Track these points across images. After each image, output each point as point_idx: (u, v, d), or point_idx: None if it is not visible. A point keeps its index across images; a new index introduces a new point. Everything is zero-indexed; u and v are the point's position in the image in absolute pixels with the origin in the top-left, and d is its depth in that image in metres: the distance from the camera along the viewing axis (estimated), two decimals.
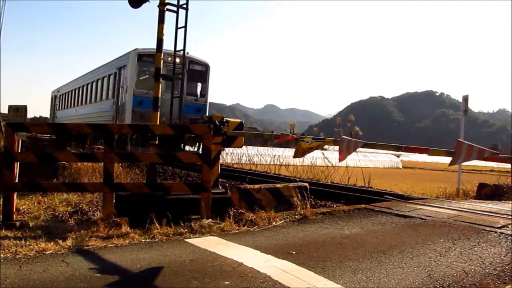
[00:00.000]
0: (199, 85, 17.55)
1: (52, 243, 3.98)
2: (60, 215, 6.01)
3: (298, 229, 5.00)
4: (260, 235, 4.65)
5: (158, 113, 8.28)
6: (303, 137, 5.29)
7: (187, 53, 11.25)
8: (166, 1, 8.22)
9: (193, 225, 4.91)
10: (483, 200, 8.91)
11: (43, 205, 6.41)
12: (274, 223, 5.17)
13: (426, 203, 7.54)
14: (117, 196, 5.66)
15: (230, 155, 23.76)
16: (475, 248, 4.21)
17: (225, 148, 8.12)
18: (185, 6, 8.59)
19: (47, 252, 3.73)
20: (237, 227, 4.92)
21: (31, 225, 4.98)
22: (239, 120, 6.62)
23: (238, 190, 5.72)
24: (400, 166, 41.04)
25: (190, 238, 4.41)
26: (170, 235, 4.55)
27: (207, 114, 15.03)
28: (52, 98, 32.59)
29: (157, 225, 4.77)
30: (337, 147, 4.57)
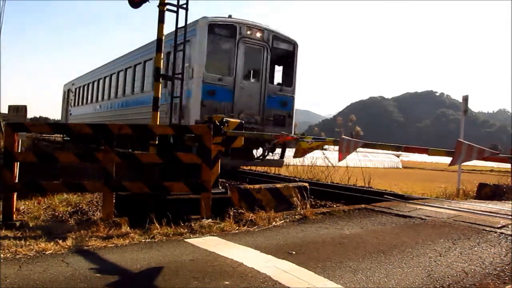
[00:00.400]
0: (285, 69, 13.05)
1: (52, 243, 3.98)
2: (60, 215, 6.02)
3: (298, 229, 5.00)
4: (260, 235, 4.65)
5: (158, 113, 8.28)
6: (303, 137, 5.29)
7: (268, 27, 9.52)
8: (166, 1, 8.22)
9: (193, 225, 4.91)
10: (483, 200, 8.91)
11: (43, 205, 6.41)
12: (274, 223, 5.17)
13: (426, 203, 7.54)
14: (117, 196, 5.66)
15: None
16: (475, 248, 4.21)
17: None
18: (185, 6, 8.60)
19: (47, 252, 3.73)
20: (237, 227, 4.92)
21: (31, 225, 4.98)
22: (239, 120, 6.61)
23: (238, 190, 5.72)
24: (400, 166, 41.04)
25: (190, 238, 4.41)
26: (170, 235, 4.55)
27: (294, 110, 12.67)
28: (64, 93, 27.43)
29: (157, 225, 4.77)
30: (337, 147, 4.57)
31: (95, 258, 3.62)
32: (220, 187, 6.72)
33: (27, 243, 3.98)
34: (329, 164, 15.88)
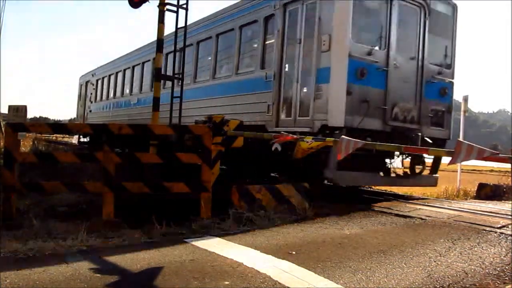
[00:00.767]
0: (441, 43, 8.71)
1: (52, 243, 3.98)
2: (60, 215, 6.01)
3: (298, 229, 5.00)
4: (260, 235, 4.65)
5: (158, 113, 8.27)
6: (303, 137, 5.28)
7: None
8: (166, 1, 8.22)
9: (193, 225, 4.91)
10: (483, 200, 8.91)
11: (43, 205, 6.40)
12: (274, 223, 5.17)
13: (426, 203, 7.54)
14: (117, 196, 5.65)
15: None
16: (475, 248, 4.21)
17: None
18: (185, 6, 8.59)
19: (47, 252, 3.73)
20: (237, 227, 4.92)
21: (31, 225, 4.98)
22: (239, 120, 6.61)
23: (238, 190, 5.71)
24: (400, 166, 40.98)
25: (190, 238, 4.41)
26: (170, 235, 4.55)
27: (452, 100, 8.67)
28: (80, 87, 22.90)
29: (157, 225, 4.77)
30: None
31: (95, 258, 3.62)
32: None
33: (27, 243, 3.98)
34: None
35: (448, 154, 3.77)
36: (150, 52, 13.12)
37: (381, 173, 8.20)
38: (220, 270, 3.32)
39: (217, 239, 4.36)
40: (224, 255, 3.70)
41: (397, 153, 8.23)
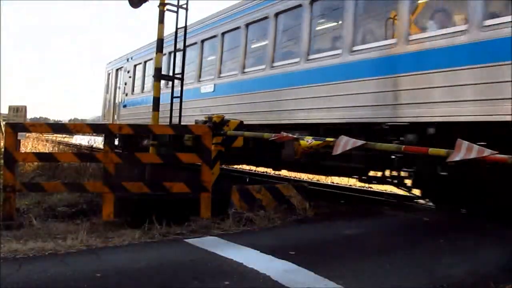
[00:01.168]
0: None
1: (52, 243, 3.98)
2: (60, 215, 6.02)
3: (298, 229, 5.00)
4: (260, 235, 4.65)
5: (158, 113, 8.25)
6: (303, 136, 5.28)
7: None
8: (166, 1, 8.23)
9: (193, 225, 4.92)
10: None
11: (43, 205, 6.41)
12: (274, 223, 5.17)
13: (426, 203, 7.54)
14: (117, 196, 5.66)
15: None
16: (476, 248, 4.21)
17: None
18: (185, 6, 8.59)
19: (47, 252, 3.73)
20: (237, 227, 4.92)
21: (31, 225, 4.98)
22: (239, 120, 6.61)
23: (238, 190, 5.72)
24: None
25: (190, 238, 4.41)
26: (170, 235, 4.55)
27: None
28: (108, 76, 17.79)
29: (157, 225, 4.77)
30: None
31: (95, 258, 3.62)
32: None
33: (27, 243, 3.98)
34: None
35: (448, 153, 3.77)
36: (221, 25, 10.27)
37: None
38: (220, 270, 3.32)
39: (217, 239, 4.36)
40: (224, 255, 3.70)
41: None
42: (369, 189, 10.55)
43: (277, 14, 8.47)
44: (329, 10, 7.71)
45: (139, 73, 15.16)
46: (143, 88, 14.58)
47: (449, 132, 5.08)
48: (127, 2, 8.44)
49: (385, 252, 3.98)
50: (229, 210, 5.41)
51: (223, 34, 10.19)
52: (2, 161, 5.49)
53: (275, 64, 8.38)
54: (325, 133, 6.64)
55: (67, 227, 4.94)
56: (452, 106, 5.31)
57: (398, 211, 6.37)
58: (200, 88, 10.71)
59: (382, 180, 6.78)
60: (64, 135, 35.99)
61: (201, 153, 5.49)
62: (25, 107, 11.98)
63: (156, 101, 8.25)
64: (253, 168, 16.80)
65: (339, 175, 9.57)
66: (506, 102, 4.73)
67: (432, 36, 5.68)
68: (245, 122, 6.92)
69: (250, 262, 3.47)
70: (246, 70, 9.21)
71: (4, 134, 5.30)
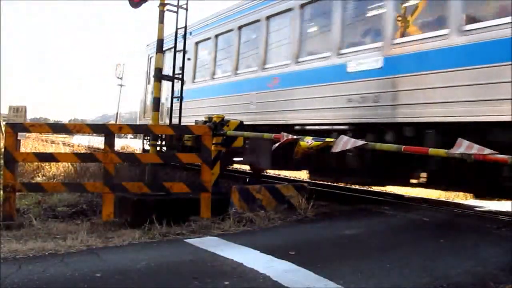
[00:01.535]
0: None
1: (52, 243, 3.98)
2: (60, 215, 6.02)
3: (298, 229, 5.00)
4: (260, 235, 4.65)
5: (159, 113, 8.24)
6: (303, 137, 5.28)
7: None
8: (166, 1, 8.22)
9: (193, 225, 4.92)
10: (483, 200, 8.90)
11: (43, 205, 6.41)
12: (274, 223, 5.17)
13: (426, 203, 7.54)
14: (117, 196, 5.67)
15: None
16: (475, 248, 4.21)
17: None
18: (185, 6, 8.59)
19: (47, 252, 3.73)
20: (237, 227, 4.92)
21: (31, 225, 4.98)
22: (239, 120, 6.61)
23: (238, 190, 5.72)
24: None
25: (190, 238, 4.41)
26: (170, 235, 4.55)
27: None
28: (150, 60, 13.91)
29: (157, 225, 4.78)
30: None
31: (95, 258, 3.62)
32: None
33: (27, 243, 3.98)
34: None
35: (448, 154, 3.77)
36: None
37: None
38: (220, 270, 3.32)
39: (217, 239, 4.36)
40: (224, 255, 3.70)
41: None
42: (369, 189, 10.55)
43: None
44: None
45: (204, 53, 11.49)
46: (213, 73, 10.79)
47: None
48: (127, 2, 8.42)
49: (385, 252, 3.98)
50: (229, 210, 5.41)
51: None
52: (2, 161, 5.49)
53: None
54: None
55: (67, 227, 4.95)
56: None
57: (398, 211, 6.36)
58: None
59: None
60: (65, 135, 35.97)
61: (201, 153, 5.49)
62: (25, 107, 11.99)
63: (156, 101, 8.25)
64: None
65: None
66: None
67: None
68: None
69: (250, 262, 3.47)
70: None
71: (4, 134, 5.30)
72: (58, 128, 9.60)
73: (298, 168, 8.77)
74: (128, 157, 6.95)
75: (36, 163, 9.29)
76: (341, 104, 6.87)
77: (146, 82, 14.32)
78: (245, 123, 7.03)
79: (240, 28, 9.97)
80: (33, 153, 8.37)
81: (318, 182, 11.00)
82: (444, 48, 5.61)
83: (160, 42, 8.25)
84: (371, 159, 6.31)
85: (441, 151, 3.91)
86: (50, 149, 13.71)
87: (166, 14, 8.22)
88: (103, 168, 5.28)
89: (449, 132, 5.33)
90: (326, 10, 7.54)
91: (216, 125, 6.07)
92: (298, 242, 4.33)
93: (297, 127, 7.61)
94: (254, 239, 4.41)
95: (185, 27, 8.81)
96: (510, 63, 4.83)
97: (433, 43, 5.74)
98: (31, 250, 3.76)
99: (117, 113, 21.55)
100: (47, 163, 9.41)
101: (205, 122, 6.46)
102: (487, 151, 3.48)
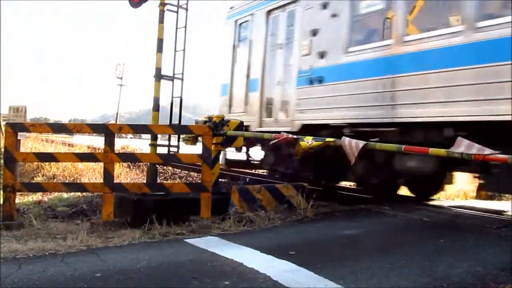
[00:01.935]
0: None
1: (52, 243, 3.98)
2: (60, 215, 6.02)
3: (298, 229, 5.00)
4: (260, 235, 4.65)
5: (158, 113, 8.23)
6: (303, 137, 5.28)
7: None
8: (166, 1, 8.22)
9: (193, 225, 4.92)
10: (483, 200, 8.90)
11: (43, 205, 6.42)
12: (274, 223, 5.17)
13: (426, 203, 7.53)
14: (117, 196, 5.67)
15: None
16: (475, 248, 4.21)
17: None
18: (185, 6, 8.58)
19: (47, 252, 3.73)
20: (237, 227, 4.92)
21: (31, 225, 4.98)
22: (239, 121, 6.61)
23: (238, 190, 5.72)
24: None
25: (190, 238, 4.41)
26: (170, 235, 4.56)
27: None
28: (239, 29, 9.56)
29: (157, 225, 4.78)
30: None
31: (95, 258, 3.62)
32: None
33: (27, 243, 3.98)
34: None
35: (448, 153, 3.76)
36: None
37: None
38: (220, 270, 3.32)
39: (217, 239, 4.36)
40: (224, 255, 3.70)
41: None
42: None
43: None
44: None
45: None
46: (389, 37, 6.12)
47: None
48: (127, 2, 8.42)
49: (385, 252, 3.98)
50: (229, 210, 5.41)
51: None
52: (2, 161, 5.49)
53: None
54: None
55: (67, 227, 4.95)
56: None
57: (398, 211, 6.36)
58: None
59: None
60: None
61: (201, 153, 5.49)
62: (25, 107, 11.99)
63: (156, 101, 8.23)
64: (252, 169, 16.70)
65: None
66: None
67: None
68: None
69: (250, 262, 3.48)
70: None
71: (4, 134, 5.29)
72: (58, 128, 9.60)
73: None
74: (128, 157, 6.94)
75: (36, 163, 9.30)
76: None
77: (232, 61, 10.01)
78: None
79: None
80: (33, 153, 8.38)
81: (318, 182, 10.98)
82: None
83: (160, 42, 8.25)
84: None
85: (441, 151, 3.90)
86: (50, 149, 13.75)
87: (166, 14, 8.21)
88: (103, 168, 5.28)
89: None
90: None
91: (216, 125, 6.06)
92: (298, 242, 4.33)
93: None
94: (254, 239, 4.41)
95: (185, 27, 8.76)
96: None
97: None
98: (31, 250, 3.76)
99: (117, 113, 21.70)
100: (47, 163, 9.43)
101: (205, 122, 6.46)
102: (487, 151, 3.48)
